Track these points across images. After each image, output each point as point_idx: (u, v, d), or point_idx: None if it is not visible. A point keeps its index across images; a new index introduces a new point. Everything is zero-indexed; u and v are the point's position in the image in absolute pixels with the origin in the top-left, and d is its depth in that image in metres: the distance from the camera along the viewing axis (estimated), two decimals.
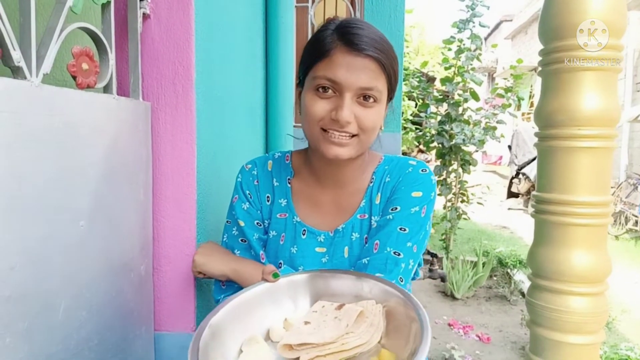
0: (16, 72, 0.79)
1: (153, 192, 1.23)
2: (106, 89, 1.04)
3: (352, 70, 0.89)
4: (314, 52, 0.94)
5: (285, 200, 1.07)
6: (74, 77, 0.94)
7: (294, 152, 1.13)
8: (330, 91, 0.91)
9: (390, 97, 0.99)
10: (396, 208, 0.99)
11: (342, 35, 0.91)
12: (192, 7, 1.19)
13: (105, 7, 1.05)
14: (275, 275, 0.91)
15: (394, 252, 0.95)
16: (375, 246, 0.97)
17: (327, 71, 0.90)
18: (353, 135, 0.93)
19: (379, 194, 1.03)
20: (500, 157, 15.66)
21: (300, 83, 1.00)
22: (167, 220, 1.24)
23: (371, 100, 0.92)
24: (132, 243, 1.13)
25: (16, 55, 0.78)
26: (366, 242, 1.02)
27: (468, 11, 4.56)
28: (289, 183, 1.08)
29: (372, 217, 1.02)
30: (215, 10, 1.36)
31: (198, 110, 1.24)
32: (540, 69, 1.70)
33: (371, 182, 1.05)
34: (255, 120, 1.86)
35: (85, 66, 0.95)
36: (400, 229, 0.97)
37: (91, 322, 0.97)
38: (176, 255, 1.25)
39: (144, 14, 1.18)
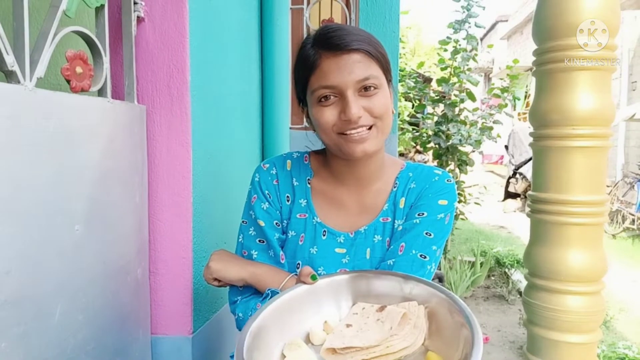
0: (10, 77, 0.79)
1: (149, 196, 1.23)
2: (101, 93, 1.04)
3: (342, 70, 0.92)
4: (303, 69, 0.97)
5: (305, 201, 1.07)
6: (68, 81, 0.93)
7: (311, 152, 1.13)
8: (331, 97, 0.94)
9: (389, 79, 1.01)
10: (423, 214, 1.01)
11: (322, 43, 0.94)
12: (187, 10, 1.20)
13: (99, 10, 1.05)
14: (314, 277, 0.89)
15: (420, 255, 0.98)
16: (401, 248, 0.99)
17: (321, 81, 0.93)
18: (370, 127, 0.95)
19: (403, 199, 1.05)
20: (502, 157, 15.63)
21: (302, 103, 1.03)
22: (163, 223, 1.24)
23: (372, 88, 0.94)
24: (128, 246, 1.13)
25: (10, 59, 0.78)
26: (388, 245, 1.03)
27: (463, 12, 4.57)
28: (309, 183, 1.09)
29: (396, 221, 1.04)
30: (209, 13, 1.36)
31: (193, 113, 1.24)
32: (534, 69, 1.71)
33: (395, 187, 1.06)
34: (251, 122, 1.86)
35: (79, 70, 0.95)
36: (426, 233, 1.00)
37: (87, 326, 0.97)
38: (173, 258, 1.25)
39: (138, 17, 1.18)
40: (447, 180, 1.06)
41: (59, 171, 0.88)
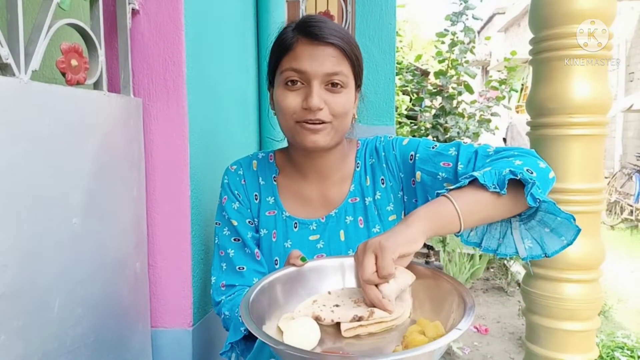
0: (4, 69, 0.79)
1: (146, 189, 1.23)
2: (96, 86, 1.04)
3: (315, 59, 0.94)
4: (278, 50, 0.99)
5: (273, 198, 1.09)
6: (63, 74, 0.93)
7: (276, 150, 1.16)
8: (298, 83, 0.96)
9: (358, 85, 1.04)
10: (411, 155, 1.03)
11: (302, 29, 0.96)
12: (182, 2, 1.19)
13: (93, 3, 1.04)
14: (303, 259, 0.92)
15: (451, 151, 0.98)
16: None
17: (292, 63, 0.95)
18: (327, 123, 0.97)
19: (368, 177, 1.08)
20: None
21: (270, 84, 1.05)
22: (161, 216, 1.24)
23: (339, 86, 0.96)
24: (126, 240, 1.13)
25: (4, 52, 0.77)
26: (361, 224, 1.06)
27: (461, 4, 4.56)
28: (275, 181, 1.11)
29: (366, 199, 1.07)
30: (205, 5, 1.36)
31: (190, 105, 1.24)
32: (531, 58, 1.71)
33: (357, 167, 1.10)
34: (248, 115, 1.86)
35: (74, 62, 0.94)
36: (433, 147, 1.01)
37: (87, 319, 0.97)
38: (171, 251, 1.25)
39: (132, 9, 1.17)
40: (390, 137, 1.11)
41: (55, 164, 0.88)
